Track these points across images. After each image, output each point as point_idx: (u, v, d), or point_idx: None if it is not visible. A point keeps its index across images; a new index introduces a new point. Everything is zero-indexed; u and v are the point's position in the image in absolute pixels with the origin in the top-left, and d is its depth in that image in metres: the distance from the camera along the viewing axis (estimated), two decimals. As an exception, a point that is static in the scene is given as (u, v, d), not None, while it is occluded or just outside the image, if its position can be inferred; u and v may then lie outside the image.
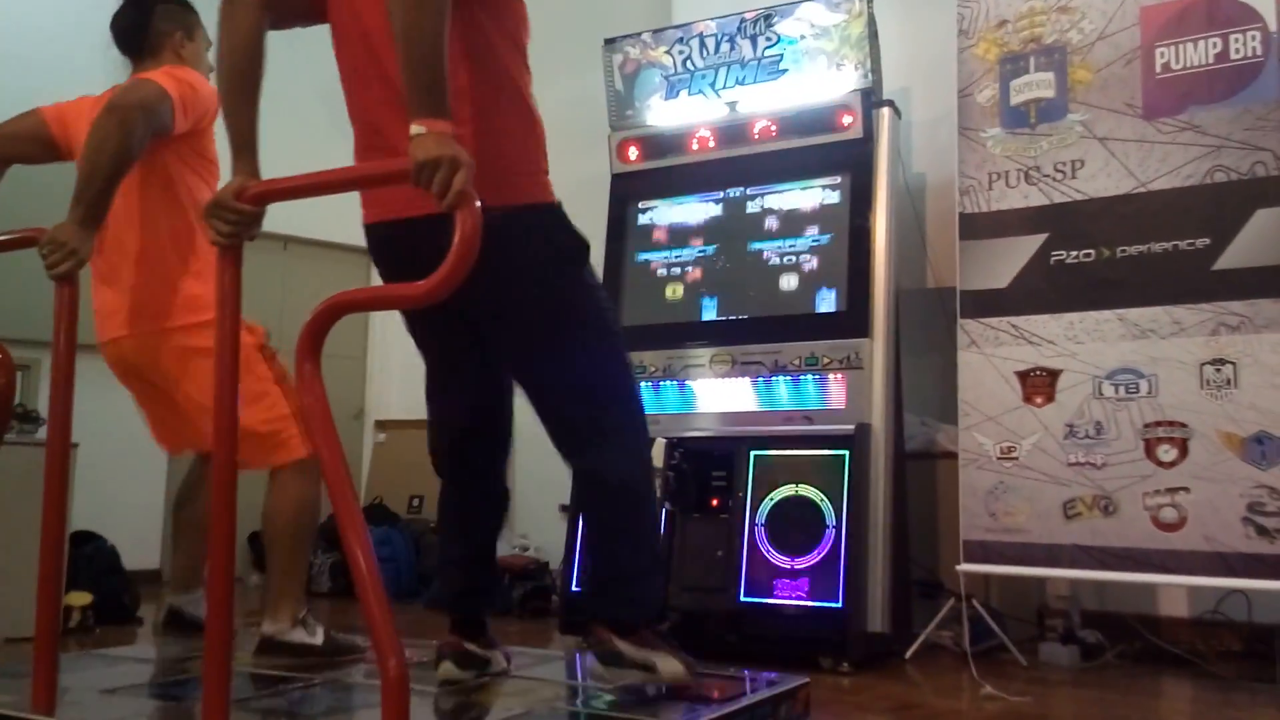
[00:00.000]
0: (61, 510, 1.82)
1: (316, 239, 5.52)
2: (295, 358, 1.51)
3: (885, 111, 3.37)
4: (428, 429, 2.06)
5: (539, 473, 3.05)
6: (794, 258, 3.45)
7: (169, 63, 2.38)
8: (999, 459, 2.95)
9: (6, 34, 5.21)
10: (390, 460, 5.79)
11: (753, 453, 3.24)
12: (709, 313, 3.51)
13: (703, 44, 3.68)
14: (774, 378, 3.34)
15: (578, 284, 1.88)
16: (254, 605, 4.62)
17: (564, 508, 4.86)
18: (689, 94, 3.72)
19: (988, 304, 3.01)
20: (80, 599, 3.51)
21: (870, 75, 3.42)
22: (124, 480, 4.26)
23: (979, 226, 3.04)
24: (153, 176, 2.30)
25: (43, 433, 3.70)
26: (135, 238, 2.32)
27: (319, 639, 2.25)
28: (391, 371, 6.02)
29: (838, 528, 3.04)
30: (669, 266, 3.63)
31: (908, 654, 3.14)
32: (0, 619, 3.07)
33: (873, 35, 3.45)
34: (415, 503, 5.54)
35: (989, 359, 2.99)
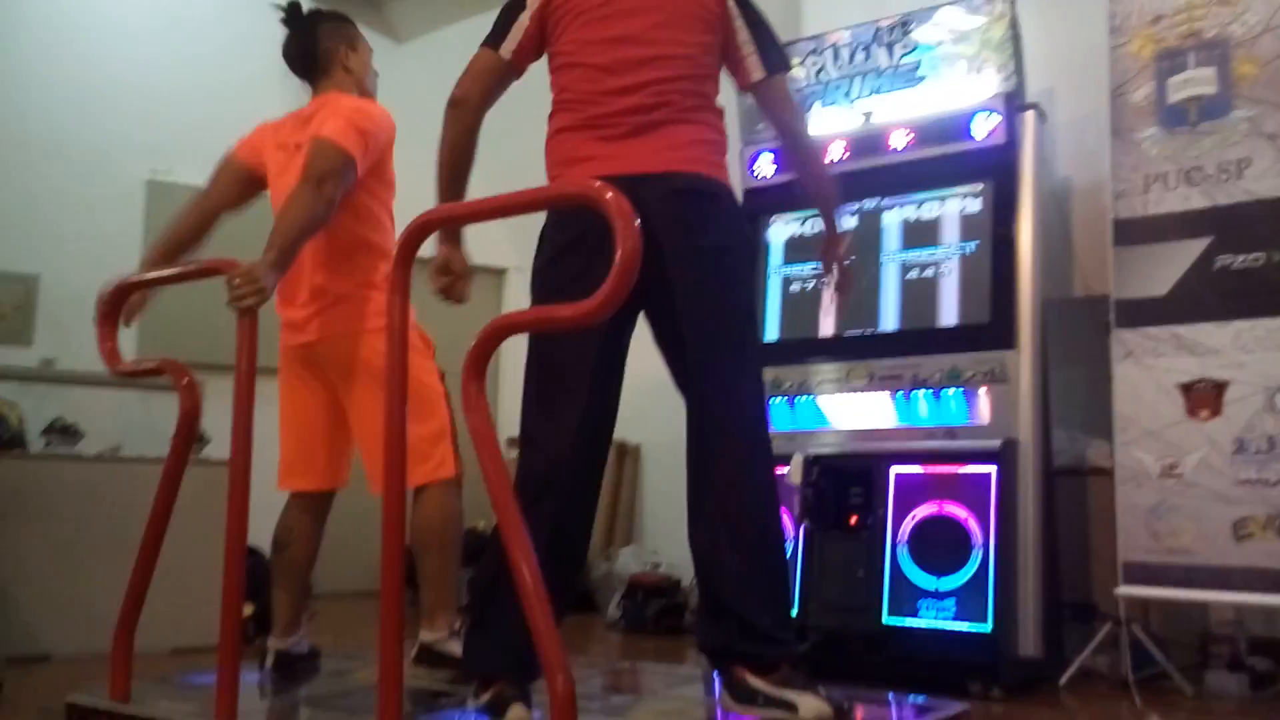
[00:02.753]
0: (243, 525, 1.92)
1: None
2: (461, 380, 1.55)
3: (1029, 115, 3.26)
4: (521, 455, 2.00)
5: (669, 488, 3.04)
6: (934, 269, 3.36)
7: (339, 79, 2.56)
8: (1160, 476, 2.79)
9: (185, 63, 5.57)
10: (475, 478, 5.89)
11: (893, 469, 3.17)
12: (845, 327, 3.45)
13: (836, 54, 3.63)
14: (913, 392, 3.26)
15: (752, 282, 1.96)
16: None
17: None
18: (822, 105, 3.67)
19: (1145, 313, 2.86)
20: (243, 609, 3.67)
21: (1013, 78, 3.32)
22: (279, 496, 4.44)
23: (1135, 232, 2.89)
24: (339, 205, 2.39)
25: (207, 451, 3.93)
26: (322, 256, 2.45)
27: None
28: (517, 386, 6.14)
29: (985, 547, 2.94)
30: (804, 280, 3.58)
31: (1062, 680, 3.00)
32: (168, 629, 3.23)
33: (1015, 37, 3.34)
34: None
35: (1148, 371, 2.84)
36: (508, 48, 2.05)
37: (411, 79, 6.31)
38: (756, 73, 2.07)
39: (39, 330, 4.96)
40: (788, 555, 2.05)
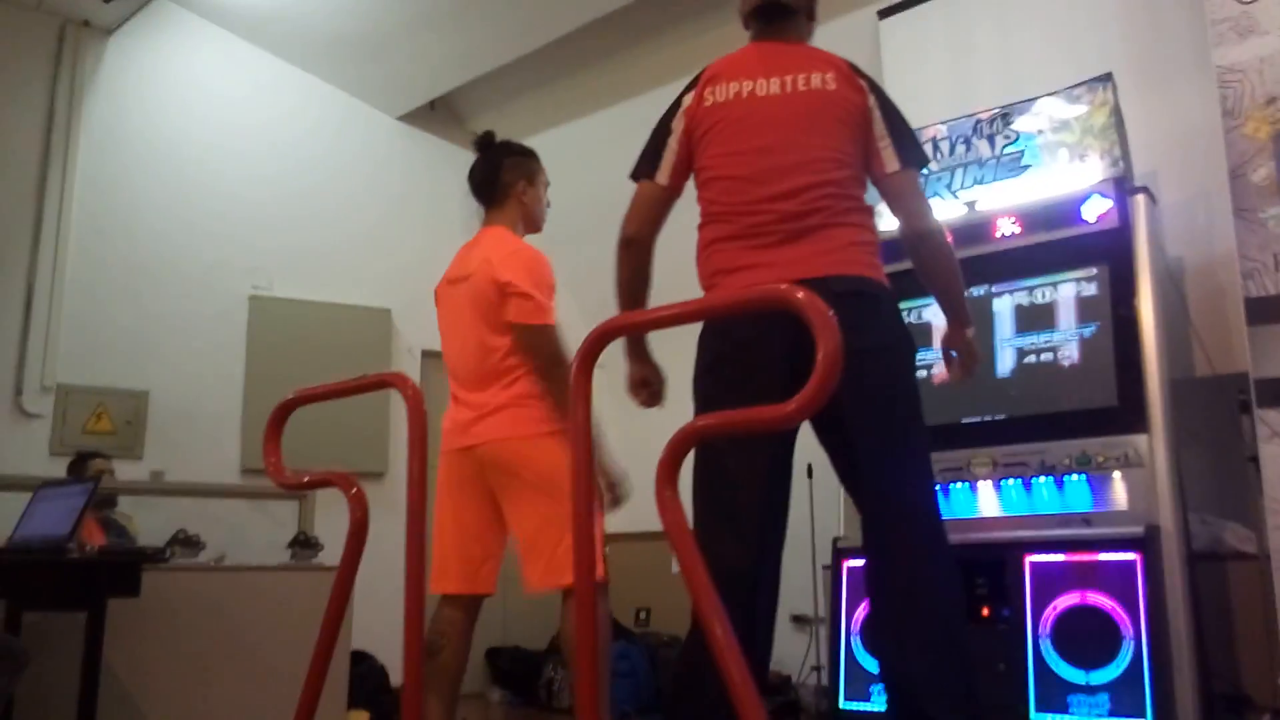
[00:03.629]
0: (418, 621, 1.90)
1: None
2: (656, 485, 1.56)
3: (1141, 198, 3.27)
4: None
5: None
6: (1052, 353, 3.34)
7: (511, 210, 2.73)
8: (1321, 559, 2.70)
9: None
10: (614, 572, 5.85)
11: (1029, 558, 3.09)
12: (964, 414, 3.42)
13: (936, 147, 3.69)
14: (1042, 479, 3.20)
15: (914, 378, 1.94)
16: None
17: (796, 618, 4.76)
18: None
19: (1288, 391, 2.81)
20: (359, 717, 3.65)
21: (1121, 162, 3.34)
22: (391, 602, 4.44)
23: (1269, 310, 2.86)
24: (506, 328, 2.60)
25: (321, 557, 3.97)
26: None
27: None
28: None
29: (1137, 638, 2.84)
30: (919, 369, 3.57)
31: (1226, 778, 2.86)
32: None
33: (1119, 123, 3.37)
34: (642, 615, 5.56)
35: (1296, 451, 2.77)
36: (664, 174, 2.12)
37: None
38: (892, 164, 2.06)
39: (150, 443, 5.09)
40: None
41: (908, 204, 2.09)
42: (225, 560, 4.22)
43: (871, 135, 2.08)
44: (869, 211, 2.11)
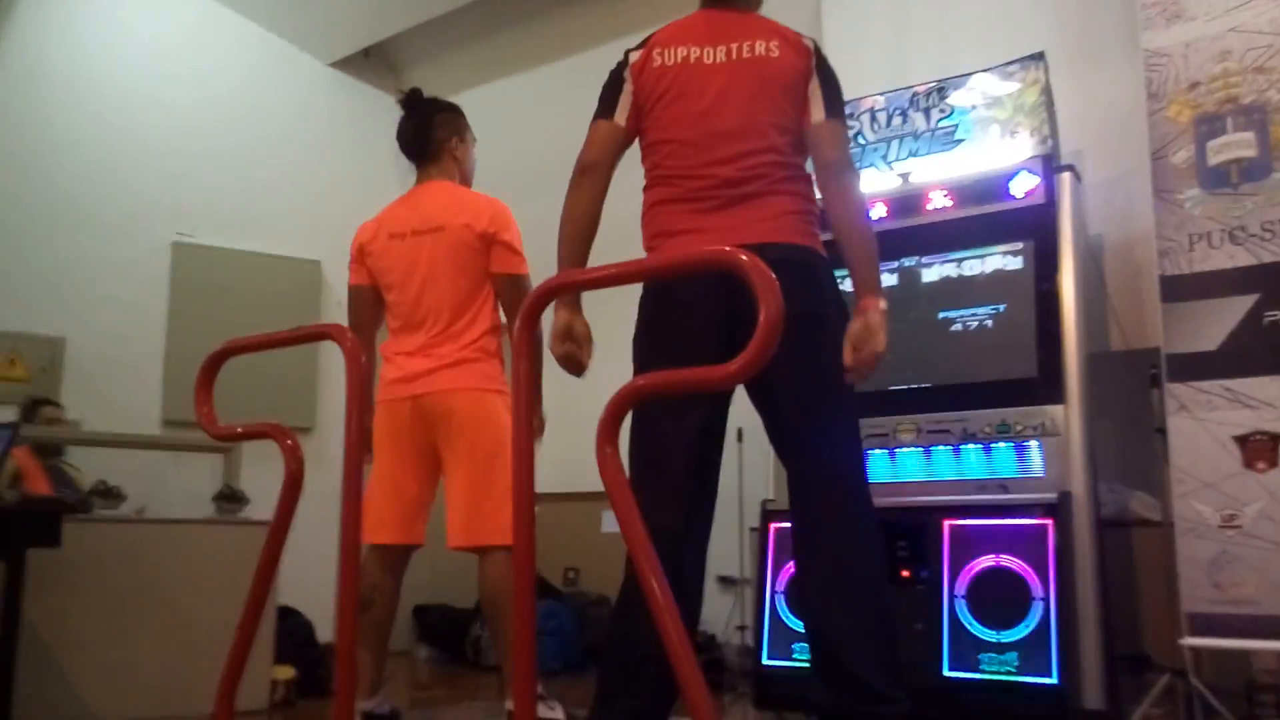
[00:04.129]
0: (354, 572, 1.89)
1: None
2: (596, 441, 1.58)
3: (1066, 176, 3.37)
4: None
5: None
6: (976, 324, 3.44)
7: (448, 166, 2.80)
8: (1220, 527, 2.85)
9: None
10: (543, 533, 5.87)
11: (948, 523, 3.20)
12: (890, 382, 3.51)
13: (873, 118, 3.74)
14: (963, 446, 3.31)
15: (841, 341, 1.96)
16: (424, 679, 4.73)
17: (722, 579, 4.86)
18: (860, 168, 3.78)
19: (1197, 367, 2.94)
20: (284, 673, 3.63)
21: (1049, 141, 3.43)
22: (317, 557, 4.41)
23: (1182, 288, 2.98)
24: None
25: (246, 512, 3.91)
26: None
27: (560, 714, 2.32)
28: (544, 445, 6.14)
29: (1046, 600, 2.97)
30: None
31: (1125, 731, 3.02)
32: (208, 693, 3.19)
33: (1049, 102, 3.46)
34: (571, 574, 5.61)
35: (1202, 424, 2.91)
36: (621, 115, 2.14)
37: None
38: (818, 115, 2.08)
39: (66, 392, 4.94)
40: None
41: (826, 151, 2.07)
42: (146, 513, 4.14)
43: (805, 93, 2.10)
44: (809, 180, 2.15)
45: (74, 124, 5.30)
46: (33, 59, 5.22)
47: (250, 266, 5.65)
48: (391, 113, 6.07)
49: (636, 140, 2.19)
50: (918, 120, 3.67)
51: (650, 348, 2.05)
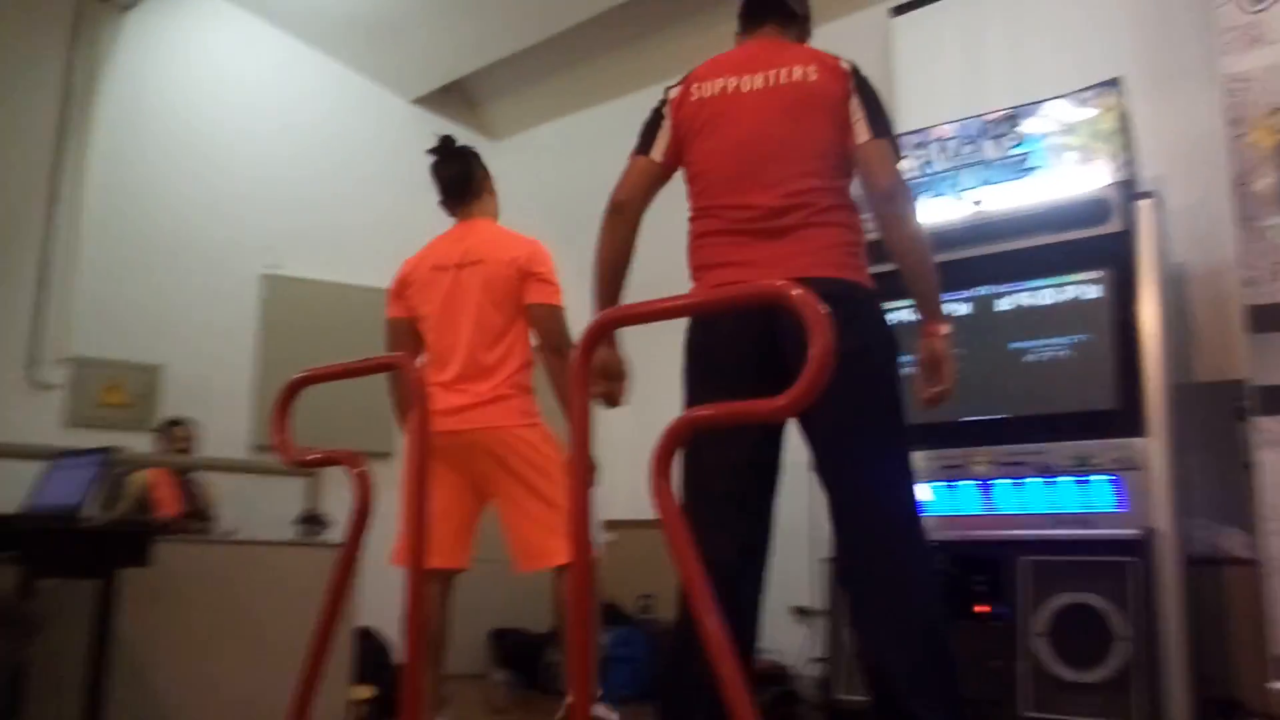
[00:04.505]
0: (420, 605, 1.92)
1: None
2: (651, 476, 1.60)
3: (1147, 203, 3.29)
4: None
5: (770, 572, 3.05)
6: (1051, 354, 3.37)
7: (487, 203, 2.96)
8: (1313, 567, 2.73)
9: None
10: (619, 559, 5.90)
11: (1026, 558, 3.13)
12: (962, 413, 3.45)
13: (943, 147, 3.71)
14: (1040, 479, 3.24)
15: (899, 377, 1.93)
16: (499, 703, 4.78)
17: (796, 610, 4.80)
18: (930, 196, 3.75)
19: (1286, 400, 2.83)
20: (363, 693, 3.71)
21: (1127, 167, 3.36)
22: (396, 579, 4.50)
23: (1270, 318, 2.88)
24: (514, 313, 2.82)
25: (329, 534, 4.03)
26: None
27: (615, 717, 2.42)
28: (617, 469, 6.17)
29: (1129, 639, 2.87)
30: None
31: (1212, 780, 2.90)
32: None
33: (1127, 127, 3.39)
34: (644, 602, 5.61)
35: (1292, 459, 2.80)
36: (658, 151, 2.15)
37: (507, 174, 6.53)
38: (863, 135, 2.03)
39: (161, 418, 5.15)
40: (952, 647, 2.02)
41: (876, 176, 2.01)
42: (236, 535, 4.29)
43: (847, 116, 2.06)
44: (854, 208, 2.09)
45: (171, 163, 5.56)
46: (133, 103, 5.51)
47: (334, 296, 5.84)
48: (472, 146, 6.15)
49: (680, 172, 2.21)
50: (989, 148, 3.62)
51: (692, 378, 2.06)
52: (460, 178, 2.94)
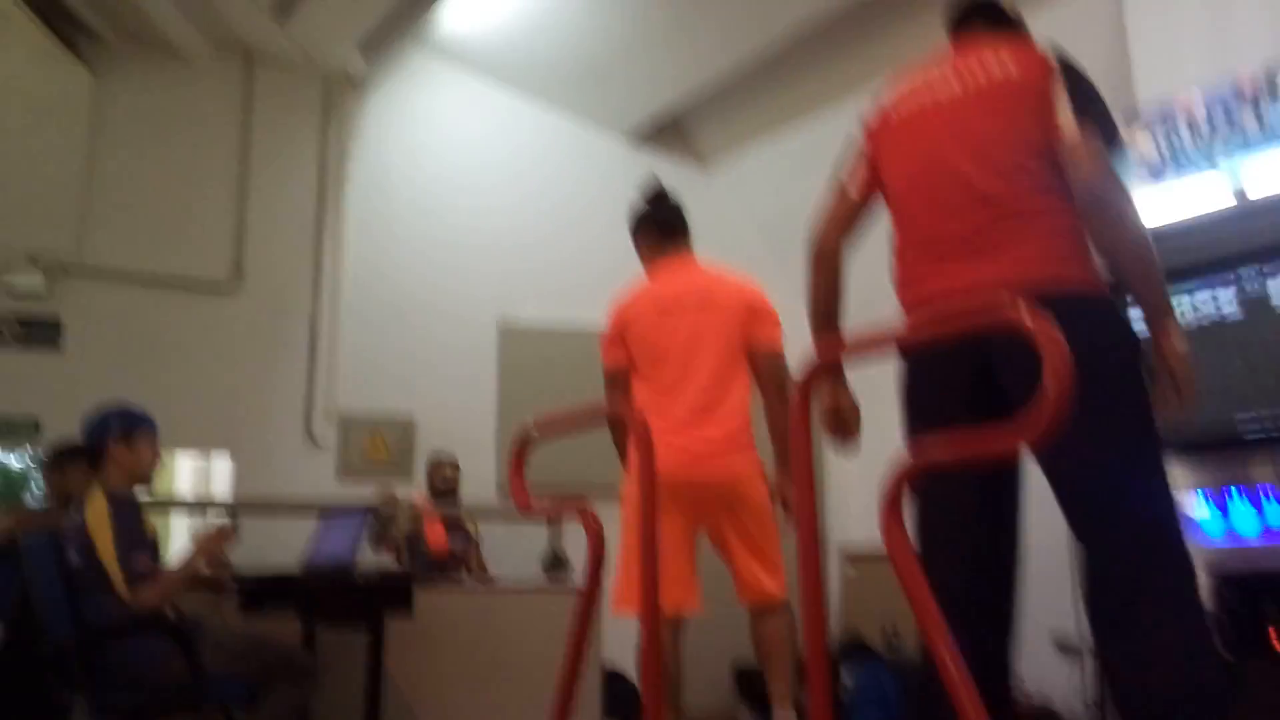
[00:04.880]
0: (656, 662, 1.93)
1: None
2: (881, 518, 1.53)
3: None
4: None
5: (1028, 602, 2.81)
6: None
7: (690, 238, 3.01)
8: None
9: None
10: (862, 594, 5.71)
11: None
12: (1235, 420, 3.09)
13: (1190, 119, 3.36)
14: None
15: (1139, 377, 1.78)
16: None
17: (1060, 646, 4.44)
18: (1179, 175, 3.40)
19: None
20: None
21: None
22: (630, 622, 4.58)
23: None
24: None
25: (573, 576, 4.16)
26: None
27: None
28: (855, 499, 6.00)
29: None
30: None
31: None
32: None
33: None
34: (893, 637, 5.39)
35: None
36: (851, 184, 2.10)
37: (718, 198, 6.60)
38: (1066, 125, 1.85)
39: (418, 467, 5.52)
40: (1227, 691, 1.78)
41: (1080, 168, 1.83)
42: (491, 578, 4.51)
43: (1051, 105, 1.88)
44: (1070, 210, 1.89)
45: (413, 225, 5.99)
46: (378, 171, 5.99)
47: (566, 339, 6.06)
48: (687, 176, 6.35)
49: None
50: (1246, 116, 3.24)
51: (906, 410, 1.97)
52: (677, 216, 3.00)
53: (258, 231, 5.64)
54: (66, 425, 4.90)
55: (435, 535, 4.93)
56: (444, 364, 5.86)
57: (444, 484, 5.06)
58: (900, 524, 1.53)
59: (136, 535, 2.80)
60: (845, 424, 2.05)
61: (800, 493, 1.68)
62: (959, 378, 1.86)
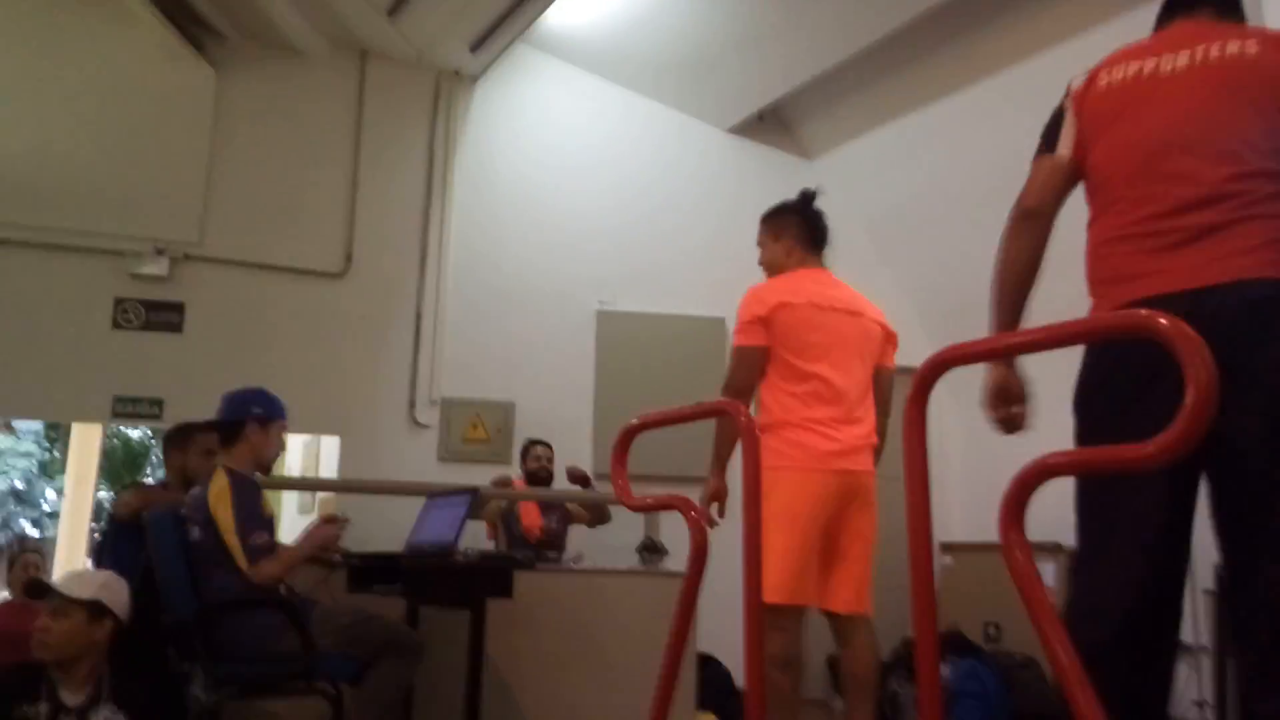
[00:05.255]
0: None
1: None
2: (1000, 524, 1.48)
3: None
4: (1077, 612, 1.77)
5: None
6: None
7: None
8: None
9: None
10: (960, 585, 5.60)
11: None
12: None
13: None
14: None
15: None
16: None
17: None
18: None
19: None
20: (707, 718, 3.80)
21: None
22: (734, 605, 4.58)
23: None
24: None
25: (666, 562, 4.18)
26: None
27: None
28: (951, 490, 5.89)
29: None
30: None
31: None
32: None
33: None
34: (992, 630, 5.28)
35: None
36: (1065, 147, 1.91)
37: (825, 192, 6.50)
38: None
39: (515, 450, 5.62)
40: None
41: None
42: (583, 559, 4.57)
43: None
44: None
45: (516, 214, 6.08)
46: (484, 162, 6.09)
47: (662, 327, 6.09)
48: (786, 168, 6.26)
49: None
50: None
51: (1102, 406, 1.81)
52: (824, 228, 3.05)
53: (367, 220, 5.80)
54: (186, 403, 5.18)
55: (529, 515, 5.02)
56: (543, 350, 5.95)
57: (538, 466, 5.16)
58: (1021, 534, 1.48)
59: (256, 514, 2.91)
60: (1011, 409, 1.91)
61: (913, 482, 1.64)
62: (1134, 384, 1.72)
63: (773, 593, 2.69)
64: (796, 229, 2.99)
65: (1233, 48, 1.80)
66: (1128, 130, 1.83)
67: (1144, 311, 1.41)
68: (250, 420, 3.05)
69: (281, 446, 3.15)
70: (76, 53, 5.39)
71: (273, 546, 2.95)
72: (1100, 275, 1.85)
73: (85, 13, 5.35)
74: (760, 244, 3.07)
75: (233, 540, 2.83)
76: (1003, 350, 1.57)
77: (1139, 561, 1.71)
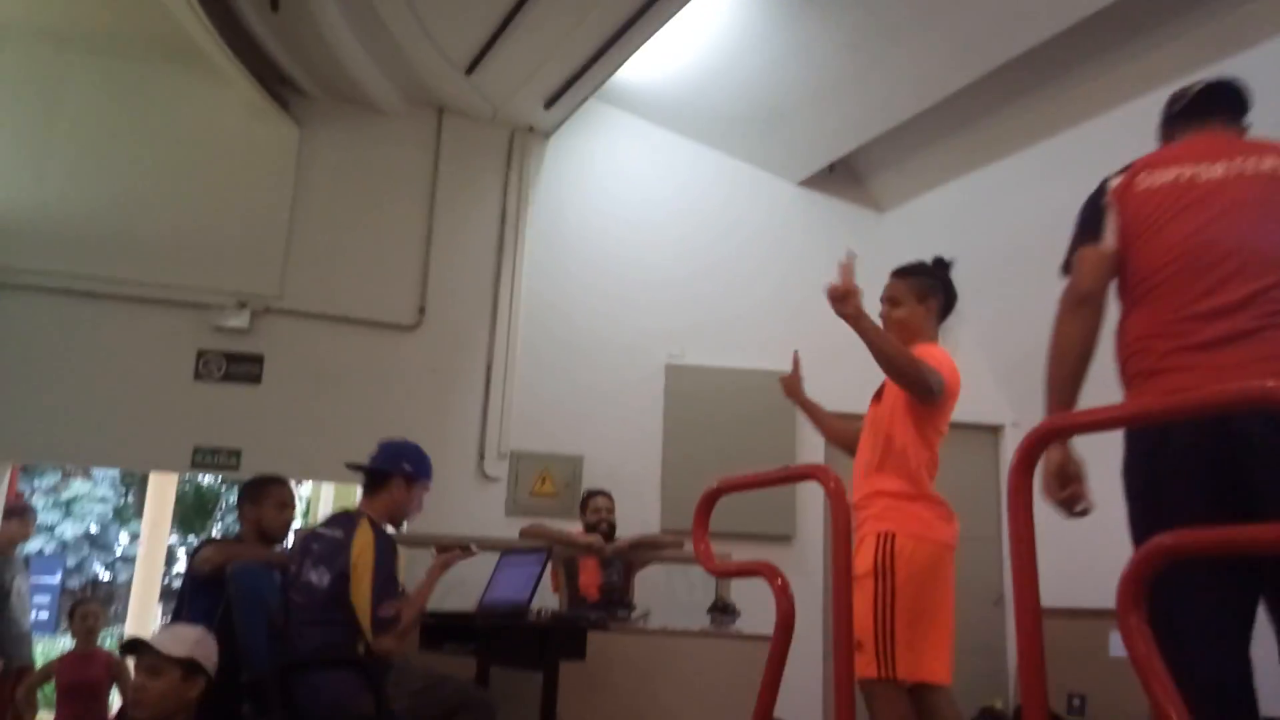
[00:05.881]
0: None
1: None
2: (1118, 606, 1.41)
3: None
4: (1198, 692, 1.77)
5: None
6: None
7: None
8: None
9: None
10: (1046, 652, 5.37)
11: None
12: None
13: None
14: None
15: None
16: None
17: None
18: None
19: None
20: (781, 789, 3.67)
21: None
22: (799, 663, 4.46)
23: None
24: None
25: (737, 624, 4.09)
26: None
27: None
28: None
29: None
30: None
31: None
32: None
33: None
34: (1076, 701, 5.05)
35: None
36: (1109, 238, 2.00)
37: (891, 242, 6.42)
38: None
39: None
40: None
41: None
42: (650, 616, 4.49)
43: None
44: None
45: (588, 267, 6.11)
46: (555, 216, 6.15)
47: (732, 381, 6.03)
48: (856, 221, 6.19)
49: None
50: None
51: (1142, 498, 1.86)
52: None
53: (440, 274, 5.88)
54: (263, 454, 5.26)
55: (587, 573, 4.92)
56: (612, 403, 5.93)
57: (598, 519, 5.07)
58: (1141, 618, 1.40)
59: (392, 579, 2.91)
60: (1072, 489, 1.93)
61: (1019, 547, 1.58)
62: (1202, 470, 1.75)
63: (944, 673, 2.63)
64: (941, 300, 2.99)
65: (1267, 164, 1.92)
66: (1169, 233, 1.92)
67: (1269, 384, 1.35)
68: (398, 475, 3.07)
69: (419, 509, 3.16)
70: (170, 111, 5.60)
71: (399, 614, 2.90)
72: (1136, 367, 1.93)
73: (179, 73, 5.56)
74: (892, 299, 2.96)
75: (364, 605, 2.82)
76: (1115, 421, 1.51)
77: (1236, 638, 1.74)
